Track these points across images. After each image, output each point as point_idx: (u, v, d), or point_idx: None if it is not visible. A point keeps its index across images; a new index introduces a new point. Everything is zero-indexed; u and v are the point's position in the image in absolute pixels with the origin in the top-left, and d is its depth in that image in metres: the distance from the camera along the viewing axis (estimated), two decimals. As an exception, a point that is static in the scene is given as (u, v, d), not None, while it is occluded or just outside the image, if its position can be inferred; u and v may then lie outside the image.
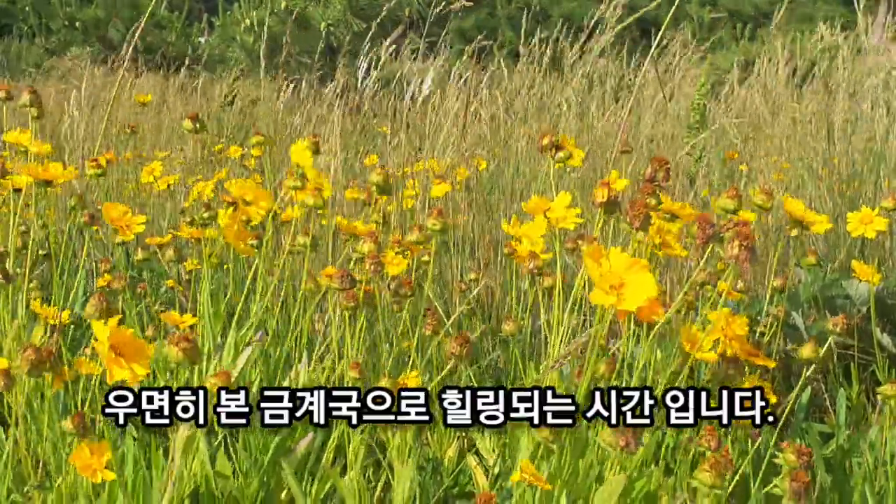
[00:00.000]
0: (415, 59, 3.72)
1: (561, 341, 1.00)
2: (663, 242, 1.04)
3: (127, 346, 0.94)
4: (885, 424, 1.27)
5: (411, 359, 1.16)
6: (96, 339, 0.94)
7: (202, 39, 7.95)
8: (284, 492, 1.19)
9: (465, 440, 1.49)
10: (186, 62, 5.03)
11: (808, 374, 1.08)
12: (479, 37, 4.03)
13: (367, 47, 3.69)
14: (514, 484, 1.06)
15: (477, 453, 1.37)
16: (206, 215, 1.21)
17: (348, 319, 1.15)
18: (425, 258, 1.46)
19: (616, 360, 1.08)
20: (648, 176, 1.01)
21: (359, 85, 3.94)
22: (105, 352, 0.92)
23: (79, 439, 0.93)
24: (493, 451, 1.35)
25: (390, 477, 1.12)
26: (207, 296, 1.18)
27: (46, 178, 1.16)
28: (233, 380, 1.10)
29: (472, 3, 3.44)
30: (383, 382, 1.15)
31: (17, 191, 1.25)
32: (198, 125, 1.26)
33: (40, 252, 1.73)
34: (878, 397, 1.25)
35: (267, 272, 1.30)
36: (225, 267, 1.97)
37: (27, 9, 8.63)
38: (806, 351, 1.04)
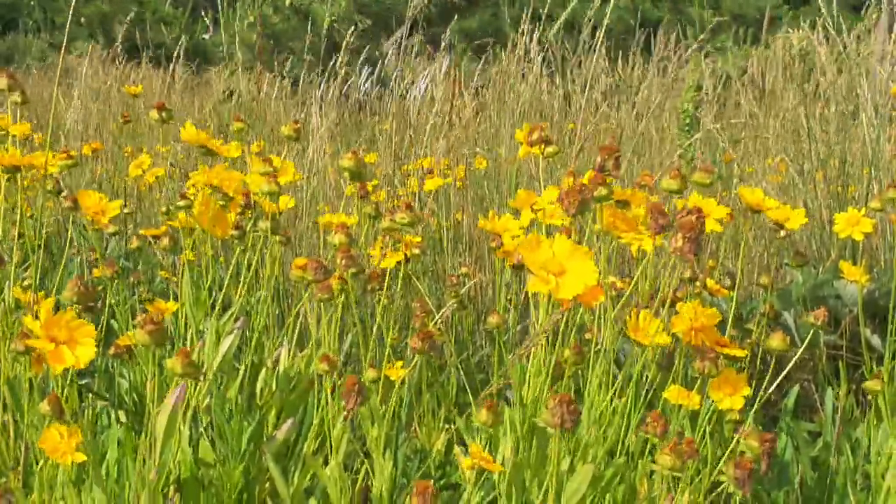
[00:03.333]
0: (416, 57, 3.73)
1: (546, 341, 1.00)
2: (618, 228, 1.03)
3: (67, 331, 0.88)
4: (871, 422, 1.28)
5: (386, 350, 1.16)
6: (30, 335, 0.89)
7: (206, 36, 7.96)
8: (267, 482, 1.19)
9: (454, 432, 1.50)
10: (184, 57, 5.04)
11: (776, 365, 1.08)
12: (481, 36, 4.04)
13: (369, 45, 3.70)
14: (496, 477, 1.07)
15: (463, 444, 1.37)
16: (181, 204, 1.21)
17: (324, 310, 1.15)
18: (416, 251, 1.46)
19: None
20: (598, 166, 0.99)
21: (360, 83, 3.95)
22: (42, 345, 0.87)
23: (56, 422, 0.92)
24: (479, 443, 1.36)
25: (370, 468, 1.13)
26: (188, 283, 1.19)
27: (14, 164, 1.14)
28: (216, 366, 1.11)
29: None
30: (369, 373, 1.16)
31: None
32: (164, 115, 1.27)
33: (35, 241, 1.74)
34: (869, 396, 1.25)
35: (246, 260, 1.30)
36: (220, 260, 1.98)
37: (32, 3, 8.67)
38: (774, 341, 1.04)
